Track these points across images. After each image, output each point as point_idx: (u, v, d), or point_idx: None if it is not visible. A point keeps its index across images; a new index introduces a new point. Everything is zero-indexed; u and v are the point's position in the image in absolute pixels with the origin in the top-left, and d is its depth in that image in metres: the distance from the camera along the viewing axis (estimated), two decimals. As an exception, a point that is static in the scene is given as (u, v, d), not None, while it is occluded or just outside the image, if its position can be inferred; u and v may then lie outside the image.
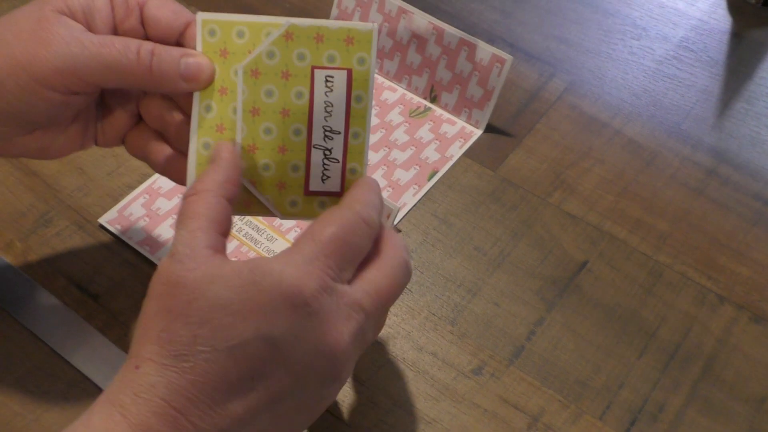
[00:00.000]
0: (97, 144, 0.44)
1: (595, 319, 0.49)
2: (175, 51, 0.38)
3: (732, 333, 0.49)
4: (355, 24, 0.38)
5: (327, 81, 0.38)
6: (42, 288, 0.48)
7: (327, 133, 0.39)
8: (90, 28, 0.39)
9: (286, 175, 0.39)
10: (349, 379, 0.45)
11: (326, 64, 0.38)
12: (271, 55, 0.38)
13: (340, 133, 0.39)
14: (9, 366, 0.45)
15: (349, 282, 0.36)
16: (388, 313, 0.49)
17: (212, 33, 0.39)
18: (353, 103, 0.39)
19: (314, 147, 0.39)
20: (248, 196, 0.40)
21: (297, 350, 0.33)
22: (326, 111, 0.38)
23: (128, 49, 0.38)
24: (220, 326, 0.32)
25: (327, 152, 0.39)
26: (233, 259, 0.36)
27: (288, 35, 0.38)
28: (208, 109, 0.39)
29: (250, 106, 0.38)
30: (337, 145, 0.39)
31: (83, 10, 0.39)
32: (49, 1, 0.38)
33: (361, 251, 0.36)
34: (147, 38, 0.40)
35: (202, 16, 0.39)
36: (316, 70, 0.38)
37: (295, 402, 0.34)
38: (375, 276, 0.36)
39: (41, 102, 0.38)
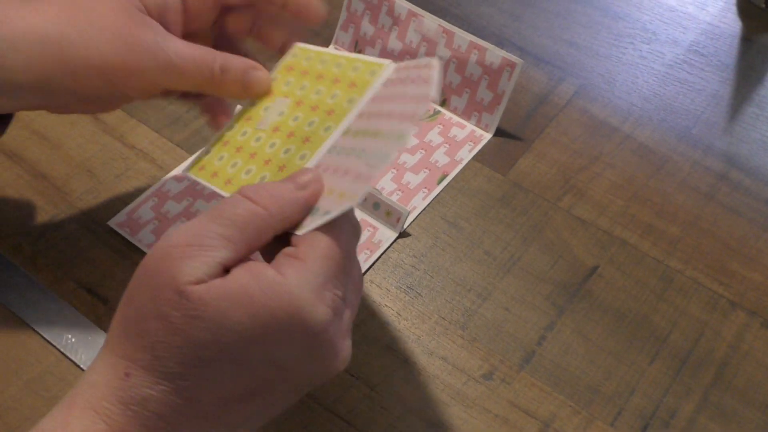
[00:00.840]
0: None
1: (605, 324, 0.49)
2: (242, 64, 0.40)
3: (744, 339, 0.49)
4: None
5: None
6: (51, 292, 0.48)
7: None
8: (163, 25, 0.40)
9: None
10: (360, 385, 0.45)
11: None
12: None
13: None
14: (18, 370, 0.45)
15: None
16: (398, 317, 0.48)
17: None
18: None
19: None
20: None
21: (302, 371, 0.33)
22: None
23: (205, 65, 0.40)
24: (227, 349, 0.30)
25: None
26: None
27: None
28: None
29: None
30: None
31: (158, 10, 0.40)
32: None
33: (356, 265, 0.36)
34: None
35: (299, 45, 0.43)
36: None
37: (287, 402, 0.34)
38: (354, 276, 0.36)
39: (117, 97, 0.40)
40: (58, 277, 0.49)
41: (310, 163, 0.36)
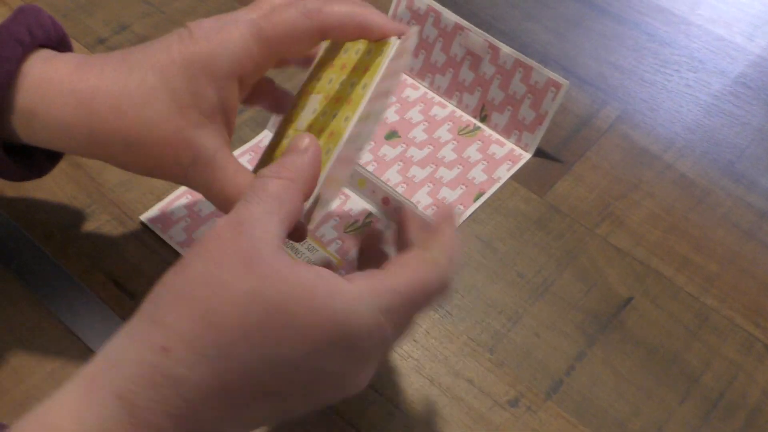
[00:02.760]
0: None
1: (637, 358, 0.48)
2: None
3: (778, 384, 0.48)
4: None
5: None
6: (80, 282, 0.48)
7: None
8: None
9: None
10: (383, 401, 0.45)
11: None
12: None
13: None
14: (42, 359, 0.44)
15: None
16: (426, 334, 0.48)
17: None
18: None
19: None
20: None
21: (331, 383, 0.32)
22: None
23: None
24: (276, 339, 0.29)
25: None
26: None
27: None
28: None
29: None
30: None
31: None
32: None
33: (424, 311, 0.35)
34: None
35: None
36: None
37: (303, 410, 0.33)
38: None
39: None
40: (87, 268, 0.48)
41: (332, 157, 0.36)
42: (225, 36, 0.37)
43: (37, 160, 0.43)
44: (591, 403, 0.46)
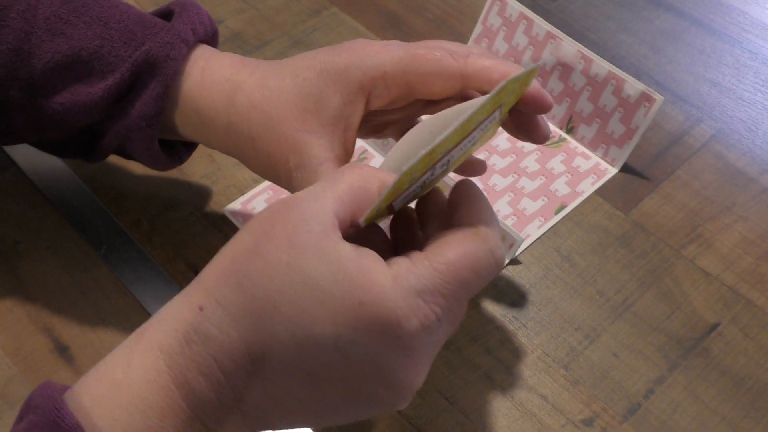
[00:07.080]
0: None
1: (721, 387, 0.46)
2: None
3: None
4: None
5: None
6: (163, 271, 0.49)
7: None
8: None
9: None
10: (454, 410, 0.44)
11: None
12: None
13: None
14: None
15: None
16: (500, 346, 0.47)
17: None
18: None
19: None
20: None
21: (367, 373, 0.30)
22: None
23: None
24: (303, 313, 0.29)
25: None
26: None
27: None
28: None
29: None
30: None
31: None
32: None
33: (478, 289, 0.32)
34: None
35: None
36: None
37: (334, 410, 0.32)
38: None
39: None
40: (170, 257, 0.50)
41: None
42: (368, 50, 0.39)
43: (177, 150, 0.47)
44: (670, 430, 0.44)
